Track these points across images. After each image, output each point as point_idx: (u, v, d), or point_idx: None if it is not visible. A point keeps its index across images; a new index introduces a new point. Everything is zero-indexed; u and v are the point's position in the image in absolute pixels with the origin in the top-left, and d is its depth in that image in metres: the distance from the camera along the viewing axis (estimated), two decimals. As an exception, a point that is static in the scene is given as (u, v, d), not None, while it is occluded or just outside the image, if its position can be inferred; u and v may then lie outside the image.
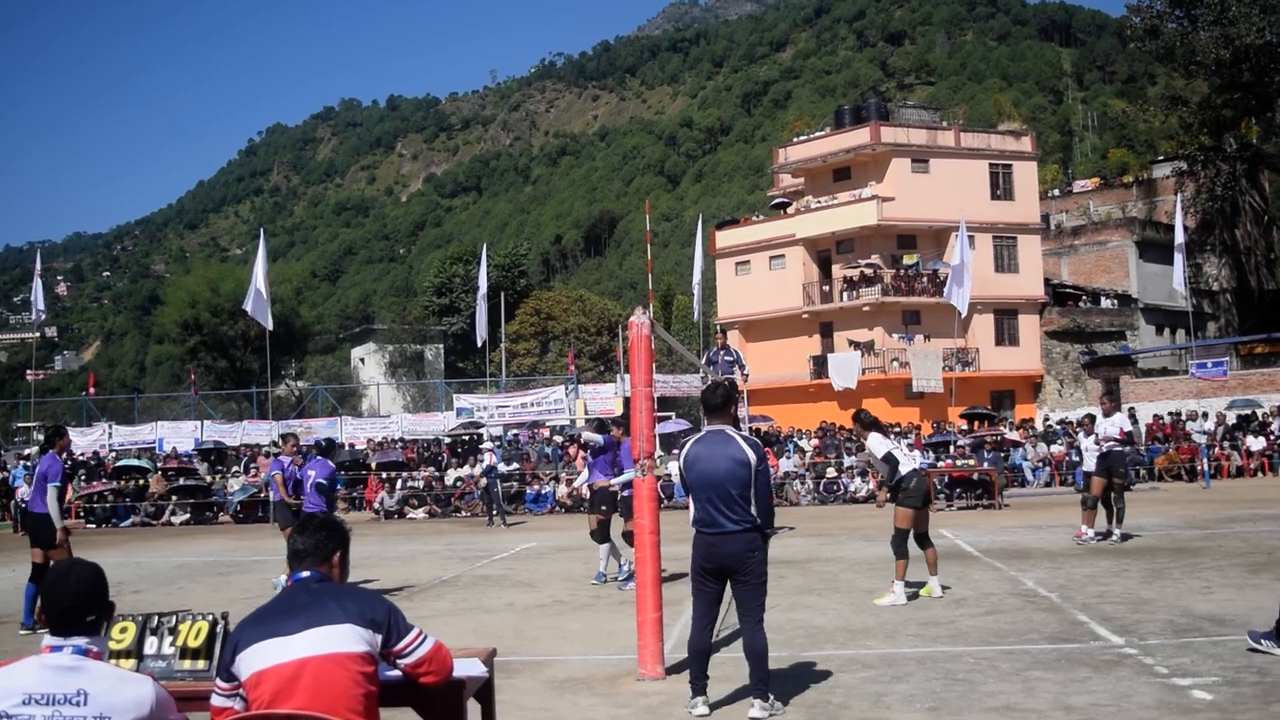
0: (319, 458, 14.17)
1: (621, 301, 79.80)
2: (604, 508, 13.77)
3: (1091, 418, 17.06)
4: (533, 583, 13.95)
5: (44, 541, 11.63)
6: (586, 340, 62.68)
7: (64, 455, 12.04)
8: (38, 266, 42.62)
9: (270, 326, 37.34)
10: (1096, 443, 16.31)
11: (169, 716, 3.44)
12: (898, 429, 35.10)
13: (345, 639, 3.72)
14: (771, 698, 6.91)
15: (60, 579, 3.50)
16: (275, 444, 33.85)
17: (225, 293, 61.18)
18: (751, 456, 6.89)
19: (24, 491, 29.22)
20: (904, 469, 11.39)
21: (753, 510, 6.85)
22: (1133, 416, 31.42)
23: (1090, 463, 16.50)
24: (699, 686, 7.00)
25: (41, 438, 44.92)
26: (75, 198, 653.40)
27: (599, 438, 13.99)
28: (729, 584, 6.97)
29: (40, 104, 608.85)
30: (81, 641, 3.41)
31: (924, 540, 11.51)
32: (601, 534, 13.72)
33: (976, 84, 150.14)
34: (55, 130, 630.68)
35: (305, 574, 3.98)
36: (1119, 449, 16.18)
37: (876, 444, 11.55)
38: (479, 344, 41.96)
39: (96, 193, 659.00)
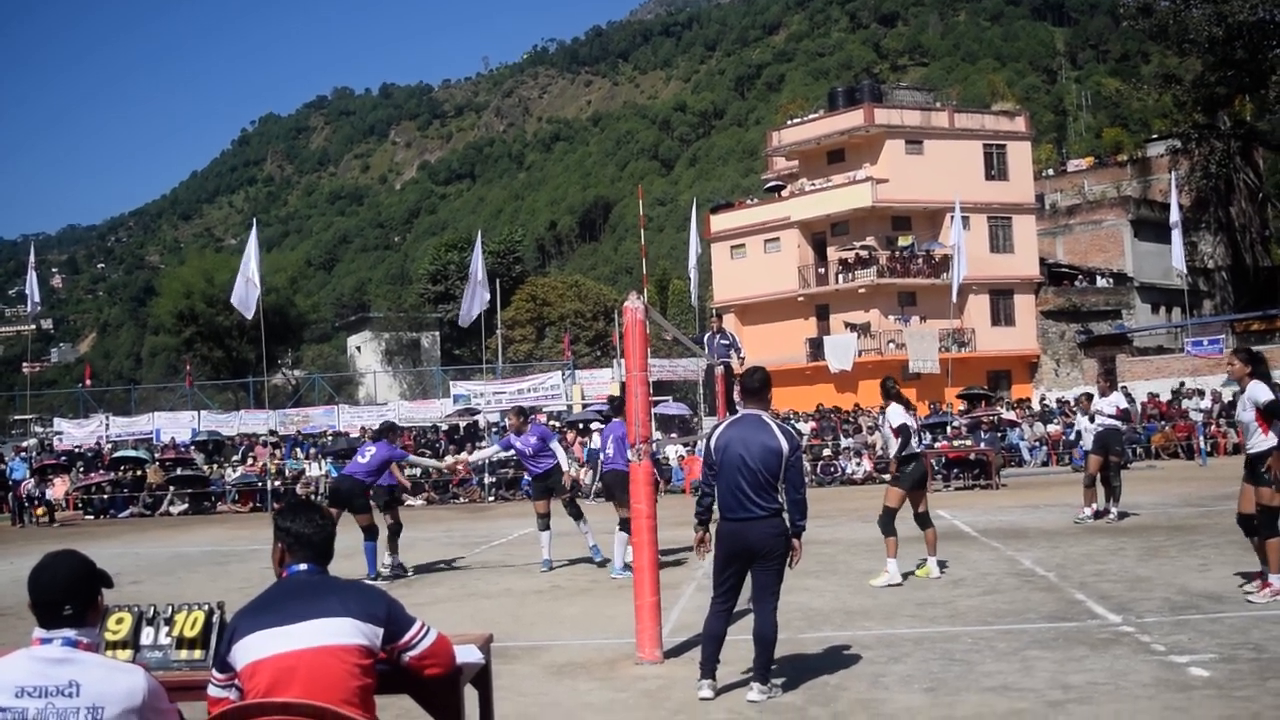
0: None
1: (617, 287, 79.73)
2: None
3: (1089, 396, 17.12)
4: (530, 568, 13.96)
5: (356, 508, 13.75)
6: (582, 326, 62.65)
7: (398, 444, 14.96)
8: (32, 259, 42.48)
9: (250, 316, 37.17)
10: (1092, 419, 16.38)
11: (161, 706, 3.43)
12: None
13: (344, 632, 3.69)
14: (771, 682, 6.94)
15: (42, 571, 3.48)
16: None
17: (220, 283, 61.03)
18: (784, 445, 6.85)
19: (28, 486, 29.27)
20: (915, 448, 11.43)
21: (780, 498, 6.84)
22: (1129, 396, 31.48)
23: (1089, 442, 16.57)
24: (709, 670, 7.00)
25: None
26: (69, 190, 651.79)
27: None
28: (749, 570, 6.97)
29: (34, 97, 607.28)
30: (71, 633, 3.39)
31: (924, 520, 11.54)
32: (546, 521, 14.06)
33: (970, 64, 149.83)
34: (49, 123, 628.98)
35: (303, 566, 3.94)
36: (1115, 427, 16.22)
37: (895, 414, 11.54)
38: (480, 319, 41.49)
39: (90, 185, 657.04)
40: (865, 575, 11.58)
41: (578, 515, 14.11)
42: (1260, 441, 9.20)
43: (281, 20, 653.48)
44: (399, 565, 14.25)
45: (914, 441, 11.51)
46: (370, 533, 13.85)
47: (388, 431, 14.79)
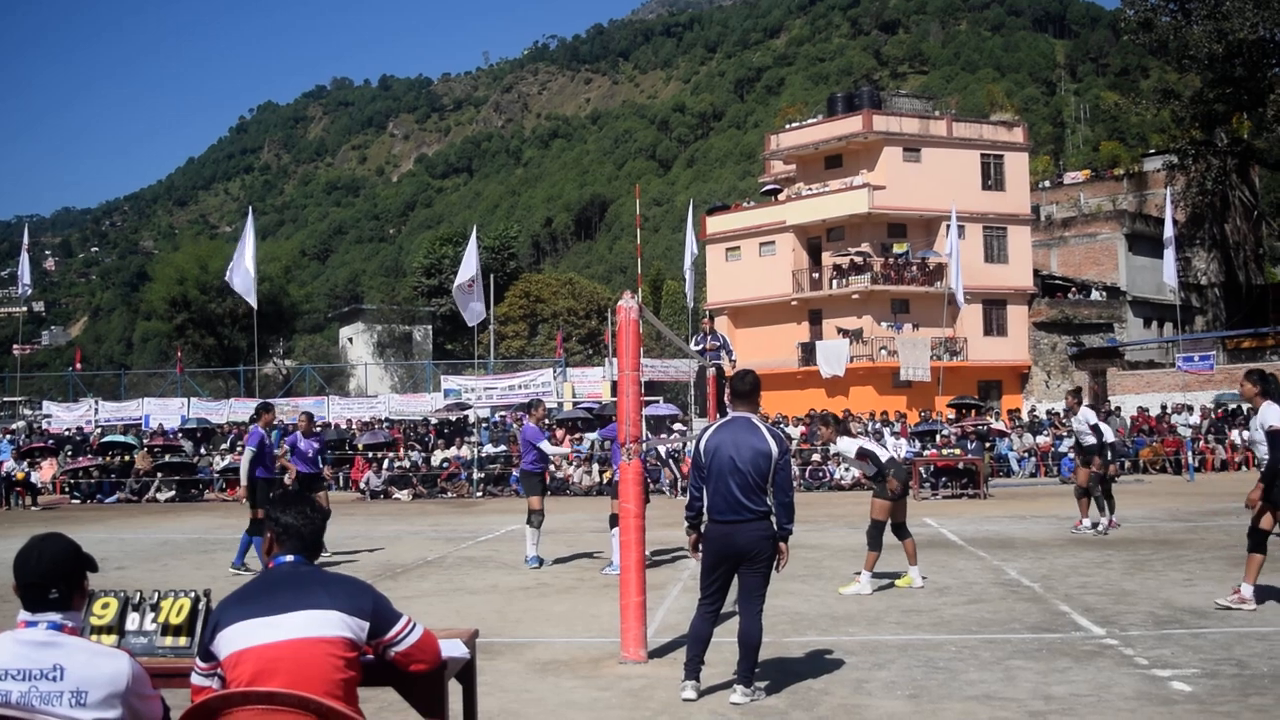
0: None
1: (611, 285, 79.71)
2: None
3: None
4: (517, 565, 13.96)
5: (252, 501, 13.86)
6: (575, 324, 62.63)
7: (267, 427, 14.52)
8: (25, 241, 42.45)
9: (255, 304, 37.07)
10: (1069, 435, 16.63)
11: (145, 692, 3.43)
12: (884, 417, 35.20)
13: (329, 624, 3.68)
14: (755, 685, 6.95)
15: (28, 554, 3.48)
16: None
17: (214, 270, 60.91)
18: (774, 448, 6.86)
19: (9, 465, 29.14)
20: (882, 459, 11.38)
21: (768, 500, 6.85)
22: (1107, 410, 31.74)
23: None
24: (692, 670, 7.00)
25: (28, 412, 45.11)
26: (65, 173, 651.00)
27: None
28: (736, 572, 6.97)
29: (32, 81, 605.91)
30: (56, 617, 3.40)
31: (901, 530, 11.45)
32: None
33: (969, 74, 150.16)
34: (47, 106, 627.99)
35: (289, 557, 3.92)
36: (1090, 441, 16.35)
37: (847, 446, 11.51)
38: (486, 319, 41.20)
39: (86, 168, 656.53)
40: (851, 581, 11.56)
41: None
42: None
43: (282, 9, 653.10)
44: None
45: (882, 457, 11.48)
46: (253, 526, 13.51)
47: (258, 414, 14.79)
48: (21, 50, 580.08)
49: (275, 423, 15.25)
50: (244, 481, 14.06)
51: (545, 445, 14.17)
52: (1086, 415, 16.57)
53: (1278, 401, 9.46)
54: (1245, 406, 30.68)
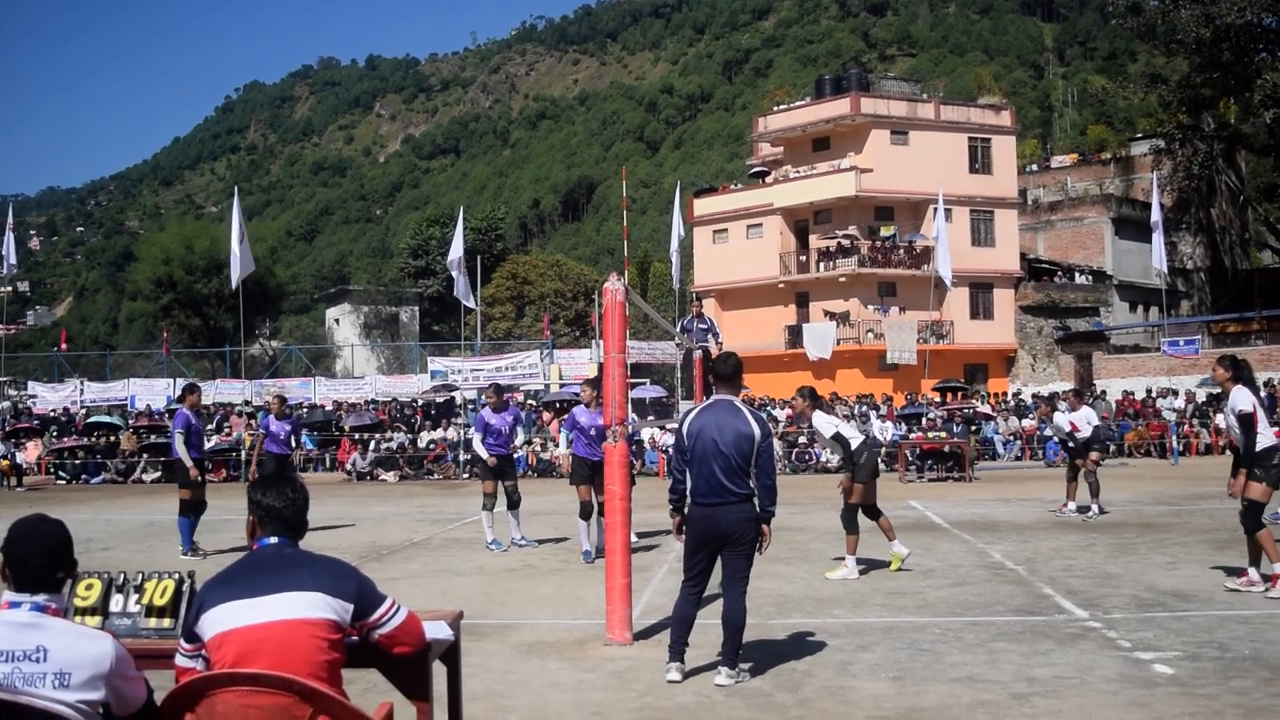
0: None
1: (598, 267, 79.58)
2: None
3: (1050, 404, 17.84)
4: (503, 546, 13.95)
5: (180, 481, 14.18)
6: (563, 305, 62.56)
7: (193, 409, 14.54)
8: (10, 220, 42.11)
9: (244, 271, 36.80)
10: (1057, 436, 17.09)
11: (128, 673, 3.43)
12: (870, 400, 35.27)
13: (313, 606, 3.68)
14: (739, 667, 6.97)
15: (28, 537, 3.47)
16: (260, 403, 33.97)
17: (200, 250, 60.88)
18: (756, 431, 6.88)
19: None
20: (853, 445, 11.34)
21: (751, 482, 6.86)
22: (1092, 394, 31.80)
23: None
24: (677, 652, 7.02)
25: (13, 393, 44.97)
26: (50, 152, 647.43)
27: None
28: (719, 555, 6.98)
29: (13, 57, 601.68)
30: (41, 598, 3.39)
31: (873, 511, 11.35)
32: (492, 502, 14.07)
33: (958, 57, 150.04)
34: (30, 84, 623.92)
35: (273, 539, 3.91)
36: (1082, 436, 16.53)
37: (823, 423, 11.39)
38: (471, 305, 41.23)
39: (71, 147, 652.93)
40: (837, 566, 11.58)
41: (516, 504, 14.14)
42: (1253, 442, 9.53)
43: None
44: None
45: (853, 437, 11.48)
46: (184, 507, 13.93)
47: (183, 395, 14.80)
48: (6, 31, 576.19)
49: (199, 405, 15.20)
50: (188, 463, 13.99)
51: (476, 443, 14.36)
52: (1060, 422, 16.79)
53: (1249, 386, 9.69)
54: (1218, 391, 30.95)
